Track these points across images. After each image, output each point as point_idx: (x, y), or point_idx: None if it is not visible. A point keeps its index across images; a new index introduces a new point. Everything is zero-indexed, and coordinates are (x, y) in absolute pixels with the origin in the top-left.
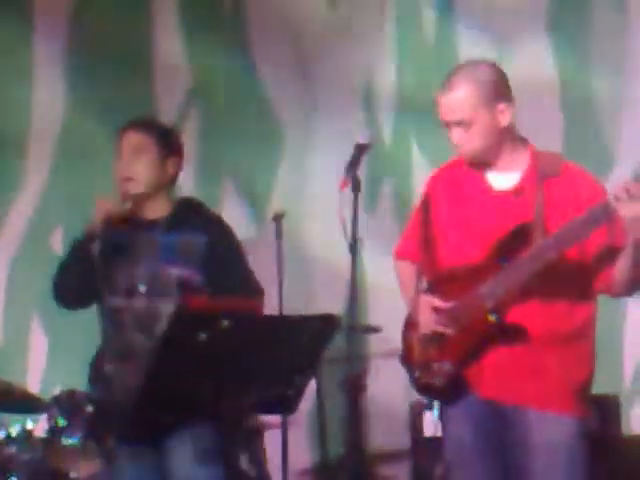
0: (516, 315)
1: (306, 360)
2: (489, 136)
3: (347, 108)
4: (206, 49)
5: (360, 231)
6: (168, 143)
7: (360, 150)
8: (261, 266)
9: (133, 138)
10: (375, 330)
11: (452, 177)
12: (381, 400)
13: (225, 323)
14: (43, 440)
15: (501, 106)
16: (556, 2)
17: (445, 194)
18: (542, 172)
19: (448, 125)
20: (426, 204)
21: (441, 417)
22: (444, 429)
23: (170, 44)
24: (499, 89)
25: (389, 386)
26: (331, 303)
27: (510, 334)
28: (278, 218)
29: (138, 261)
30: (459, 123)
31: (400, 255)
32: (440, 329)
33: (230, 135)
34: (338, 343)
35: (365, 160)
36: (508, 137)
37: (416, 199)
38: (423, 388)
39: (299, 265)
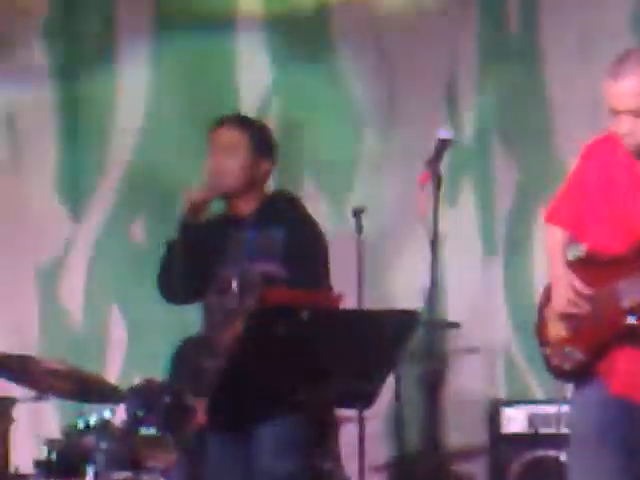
0: None
1: (385, 355)
2: None
3: (428, 105)
4: (287, 46)
5: (441, 226)
6: (262, 142)
7: (442, 145)
8: (341, 262)
9: (227, 134)
10: (454, 326)
11: (607, 157)
12: (459, 396)
13: (305, 315)
14: (121, 430)
15: None
16: None
17: (597, 171)
18: None
19: (617, 113)
20: (582, 171)
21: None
22: (571, 415)
23: (251, 40)
24: None
25: (467, 382)
26: (411, 299)
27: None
28: (358, 213)
29: (230, 259)
30: (630, 112)
31: (551, 220)
32: (573, 311)
33: (311, 132)
34: (417, 339)
35: (446, 156)
36: None
37: (496, 195)
38: (552, 367)
39: (379, 260)
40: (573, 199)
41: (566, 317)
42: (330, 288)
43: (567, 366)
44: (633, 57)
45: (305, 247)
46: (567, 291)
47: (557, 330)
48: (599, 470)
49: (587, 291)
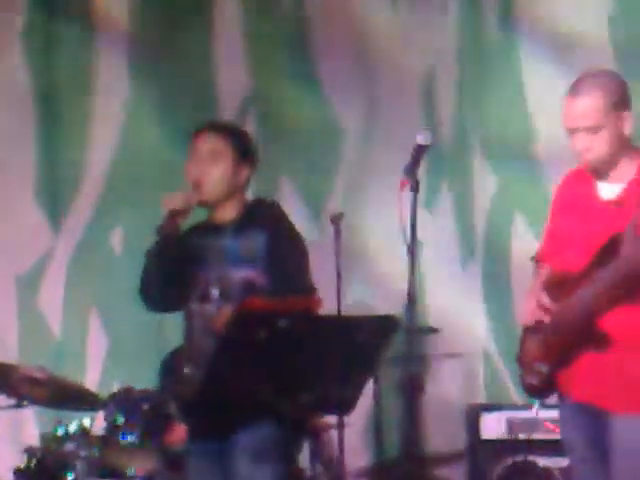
0: (604, 321)
1: (364, 361)
2: (614, 143)
3: (408, 109)
4: (266, 50)
5: (419, 232)
6: (243, 148)
7: (419, 151)
8: (319, 267)
9: (209, 141)
10: (433, 331)
11: (571, 184)
12: (438, 401)
13: (283, 323)
14: (101, 437)
15: (625, 113)
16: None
17: (561, 200)
18: None
19: (573, 131)
20: (553, 207)
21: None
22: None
23: (230, 47)
24: (624, 96)
25: (446, 387)
26: (389, 304)
27: (597, 340)
28: (336, 219)
29: (209, 266)
30: (587, 129)
31: (539, 259)
32: (535, 321)
33: (288, 136)
34: (396, 344)
35: (424, 161)
36: (625, 146)
37: (474, 199)
38: (525, 386)
39: (357, 266)
40: (549, 235)
41: (533, 333)
42: (314, 290)
43: (535, 381)
44: (587, 79)
45: (286, 253)
46: (533, 304)
47: (530, 348)
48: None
49: (548, 303)
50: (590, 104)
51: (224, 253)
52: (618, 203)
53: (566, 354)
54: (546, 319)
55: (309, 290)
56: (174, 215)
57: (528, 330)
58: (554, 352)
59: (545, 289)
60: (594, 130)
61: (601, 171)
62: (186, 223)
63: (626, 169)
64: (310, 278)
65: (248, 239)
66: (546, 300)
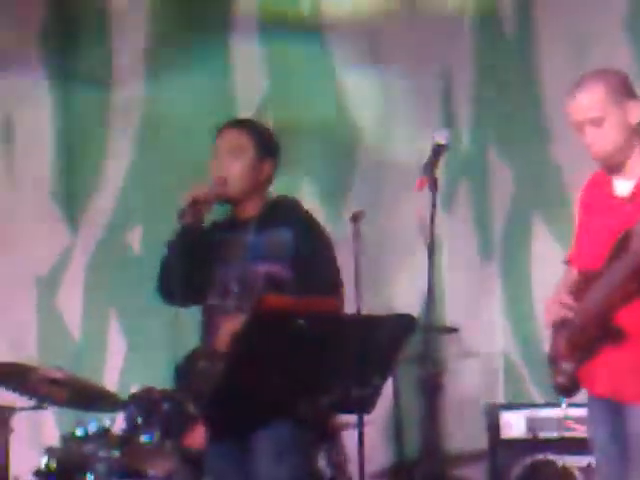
0: (619, 316)
1: (383, 360)
2: (621, 133)
3: (425, 108)
4: (282, 45)
5: (438, 231)
6: (266, 144)
7: (438, 150)
8: (339, 266)
9: (232, 138)
10: (452, 330)
11: (592, 185)
12: (458, 401)
13: (301, 322)
14: (120, 438)
15: (631, 104)
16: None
17: (584, 201)
18: None
19: (580, 126)
20: (578, 212)
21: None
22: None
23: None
24: (627, 87)
25: (466, 387)
26: (408, 303)
27: (613, 335)
28: (356, 218)
29: (231, 262)
30: (591, 121)
31: (571, 261)
32: (557, 319)
33: (308, 135)
34: (415, 343)
35: (443, 160)
36: (636, 139)
37: (493, 199)
38: (555, 386)
39: (377, 265)
40: (577, 237)
41: (559, 332)
42: (341, 287)
43: (562, 380)
44: (588, 76)
45: (314, 248)
46: (557, 304)
47: (558, 348)
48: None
49: (569, 301)
50: (591, 96)
51: (246, 249)
52: (630, 199)
53: (587, 351)
54: (570, 316)
55: (335, 288)
56: (196, 204)
57: (555, 329)
58: (577, 350)
59: (571, 289)
60: (598, 122)
61: (613, 166)
62: (209, 219)
63: (638, 163)
64: (337, 275)
65: (273, 235)
66: (567, 298)
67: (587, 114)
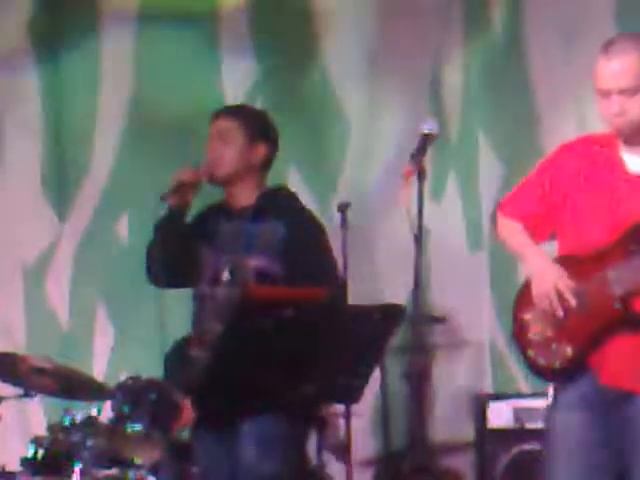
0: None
1: (370, 350)
2: None
3: (413, 97)
4: (271, 36)
5: (426, 220)
6: (256, 128)
7: (425, 139)
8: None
9: (221, 123)
10: (440, 320)
11: (586, 153)
12: (445, 391)
13: (288, 312)
14: (107, 427)
15: None
16: None
17: (577, 169)
18: None
19: (606, 94)
20: (551, 171)
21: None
22: (549, 415)
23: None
24: None
25: (453, 377)
26: (396, 293)
27: (635, 323)
28: (343, 208)
29: (223, 250)
30: (622, 91)
31: (506, 213)
32: (560, 306)
33: (295, 124)
34: (403, 333)
35: (431, 149)
36: None
37: (481, 188)
38: (539, 368)
39: (364, 255)
40: (535, 194)
41: (551, 314)
42: (337, 280)
43: (557, 364)
44: (625, 38)
45: (308, 241)
46: (554, 286)
47: (541, 329)
48: (579, 468)
49: (572, 284)
50: (627, 65)
51: (239, 238)
52: None
53: (596, 336)
54: (572, 303)
55: (331, 279)
56: (180, 187)
57: (523, 302)
58: (582, 334)
59: (562, 265)
60: (630, 93)
61: (631, 139)
62: (204, 204)
63: None
64: (332, 266)
65: (266, 227)
66: (570, 283)
67: (619, 83)
